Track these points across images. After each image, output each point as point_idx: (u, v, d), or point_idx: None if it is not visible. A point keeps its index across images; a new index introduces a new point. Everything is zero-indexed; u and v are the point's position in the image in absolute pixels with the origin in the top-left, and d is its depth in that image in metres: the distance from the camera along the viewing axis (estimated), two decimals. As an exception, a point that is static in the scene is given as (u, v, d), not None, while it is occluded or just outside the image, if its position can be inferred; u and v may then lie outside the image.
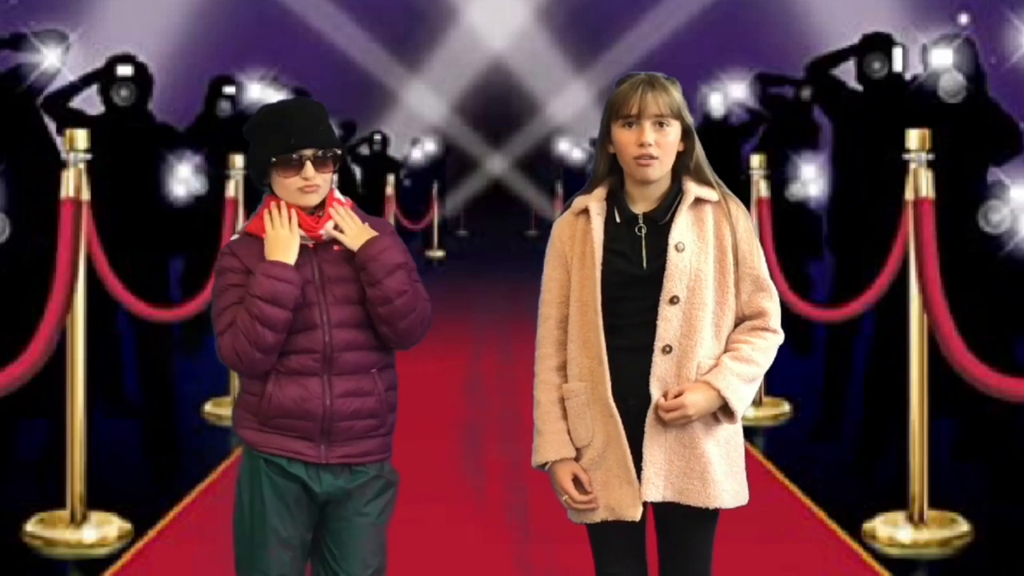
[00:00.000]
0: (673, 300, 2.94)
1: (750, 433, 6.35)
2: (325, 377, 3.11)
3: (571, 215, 3.05)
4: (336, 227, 3.13)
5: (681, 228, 2.97)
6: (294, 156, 3.08)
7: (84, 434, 5.27)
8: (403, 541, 4.69)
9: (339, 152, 3.16)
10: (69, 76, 6.93)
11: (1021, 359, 6.48)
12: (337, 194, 3.19)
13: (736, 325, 3.01)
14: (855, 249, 6.75)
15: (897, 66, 6.85)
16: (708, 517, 3.01)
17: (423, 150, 22.05)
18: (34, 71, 6.54)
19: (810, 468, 6.25)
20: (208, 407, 7.45)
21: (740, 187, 7.51)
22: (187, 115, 9.13)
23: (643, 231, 2.99)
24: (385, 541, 3.22)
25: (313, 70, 16.94)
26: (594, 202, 3.01)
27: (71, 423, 5.26)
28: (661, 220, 2.98)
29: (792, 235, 8.48)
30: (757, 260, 3.00)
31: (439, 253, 19.16)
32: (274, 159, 3.09)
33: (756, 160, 7.69)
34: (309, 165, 3.09)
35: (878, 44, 6.90)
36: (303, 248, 3.11)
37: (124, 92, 6.88)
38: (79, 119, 6.65)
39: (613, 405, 2.95)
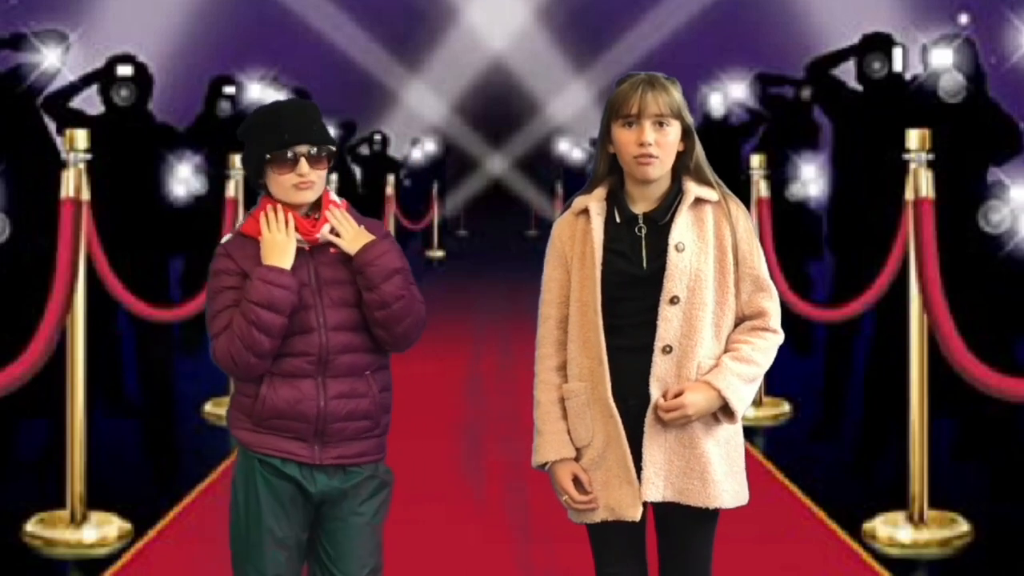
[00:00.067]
0: (673, 300, 2.94)
1: (750, 433, 6.35)
2: (319, 379, 3.11)
3: (571, 215, 3.05)
4: (333, 231, 3.13)
5: (681, 228, 2.97)
6: (288, 153, 3.09)
7: (84, 434, 5.27)
8: (403, 541, 4.69)
9: (333, 149, 3.16)
10: (69, 76, 6.93)
11: (1021, 359, 6.48)
12: (333, 196, 3.19)
13: (736, 325, 3.01)
14: (855, 249, 6.75)
15: (897, 66, 6.85)
16: (708, 517, 3.01)
17: (423, 150, 22.06)
18: (34, 71, 6.54)
19: (810, 468, 6.25)
20: (208, 407, 7.45)
21: (740, 187, 7.51)
22: (187, 115, 9.13)
23: (643, 231, 2.99)
24: (381, 541, 3.22)
25: (313, 70, 16.94)
26: (594, 202, 3.01)
27: (71, 423, 5.26)
28: (661, 220, 2.98)
29: (792, 235, 8.48)
30: (757, 260, 3.00)
31: (439, 253, 19.17)
32: (268, 156, 3.09)
33: (756, 160, 7.69)
34: (304, 161, 3.09)
35: (878, 44, 6.90)
36: (299, 250, 3.11)
37: (124, 92, 6.88)
38: (79, 119, 6.65)
39: (613, 405, 2.95)
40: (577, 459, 3.01)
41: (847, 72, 7.04)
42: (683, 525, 3.02)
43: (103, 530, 5.21)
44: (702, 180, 3.01)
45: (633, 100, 2.95)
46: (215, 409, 7.35)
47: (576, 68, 24.92)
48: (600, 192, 3.03)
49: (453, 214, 24.32)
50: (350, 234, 3.13)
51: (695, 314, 2.95)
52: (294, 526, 3.15)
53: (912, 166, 5.28)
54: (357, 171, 16.14)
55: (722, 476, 2.97)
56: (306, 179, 3.09)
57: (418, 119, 24.43)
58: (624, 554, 3.06)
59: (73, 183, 5.22)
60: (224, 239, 3.20)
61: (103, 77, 6.98)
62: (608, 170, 3.04)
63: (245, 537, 3.14)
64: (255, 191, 3.22)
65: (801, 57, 8.10)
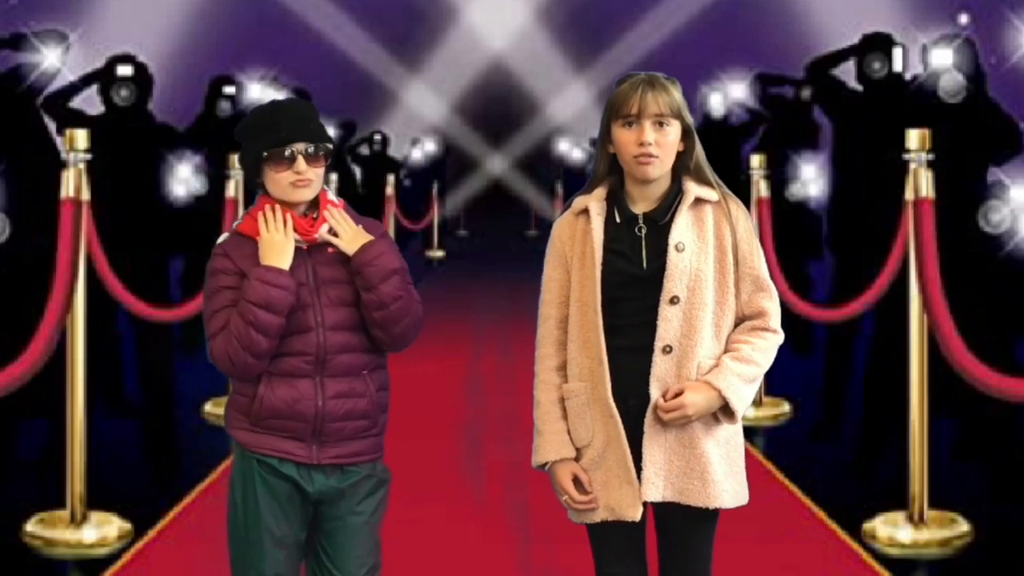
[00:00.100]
0: (673, 300, 2.94)
1: (750, 433, 6.35)
2: (317, 379, 3.11)
3: (571, 215, 3.05)
4: (331, 230, 3.13)
5: (681, 228, 2.97)
6: (286, 151, 3.08)
7: (84, 434, 5.27)
8: (403, 541, 4.69)
9: (331, 147, 3.16)
10: (69, 76, 6.93)
11: (1021, 359, 6.48)
12: (330, 195, 3.19)
13: (736, 325, 3.01)
14: (855, 249, 6.75)
15: (897, 66, 6.85)
16: (708, 517, 3.01)
17: (423, 150, 22.06)
18: (34, 71, 6.54)
19: (810, 468, 6.25)
20: (208, 407, 7.45)
21: (740, 187, 7.51)
22: (187, 115, 9.13)
23: (643, 231, 2.99)
24: (379, 539, 3.22)
25: (313, 70, 16.94)
26: (594, 202, 3.01)
27: (71, 423, 5.26)
28: (661, 220, 2.98)
29: (792, 235, 8.48)
30: (757, 260, 3.00)
31: (439, 253, 19.17)
32: (265, 153, 3.09)
33: (756, 160, 7.69)
34: (301, 159, 3.09)
35: (878, 44, 6.90)
36: (297, 250, 3.11)
37: (124, 92, 6.87)
38: (79, 119, 6.65)
39: (613, 405, 2.95)
40: (577, 459, 3.01)
41: (847, 72, 7.03)
42: (683, 525, 3.02)
43: (103, 530, 5.21)
44: (702, 180, 3.01)
45: (633, 100, 2.95)
46: (215, 409, 7.35)
47: (576, 68, 24.93)
48: (600, 192, 3.03)
49: (453, 214, 24.32)
50: (348, 234, 3.13)
51: (695, 314, 2.95)
52: (293, 525, 3.15)
53: (912, 166, 5.28)
54: (357, 171, 16.15)
55: (722, 476, 2.97)
56: (303, 177, 3.09)
57: (418, 119, 24.44)
58: (624, 554, 3.05)
59: (73, 183, 5.22)
60: (221, 238, 3.19)
61: (103, 77, 6.98)
62: (608, 170, 3.04)
63: (244, 537, 3.14)
64: (254, 191, 3.22)
65: (801, 57, 8.10)
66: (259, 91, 9.73)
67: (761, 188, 7.62)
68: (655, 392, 2.94)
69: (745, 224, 3.01)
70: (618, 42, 24.06)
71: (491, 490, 5.88)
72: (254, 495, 3.12)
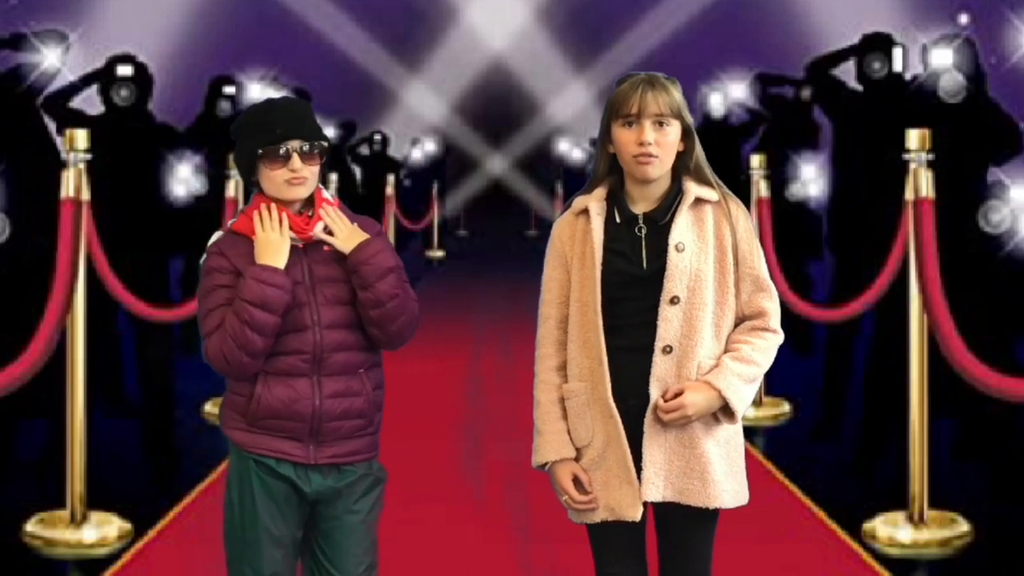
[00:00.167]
0: (673, 300, 2.94)
1: (750, 433, 6.35)
2: (314, 378, 3.10)
3: (571, 215, 3.05)
4: (326, 229, 3.12)
5: (681, 228, 2.97)
6: (281, 148, 3.08)
7: (84, 434, 5.27)
8: (403, 541, 4.70)
9: (325, 145, 3.15)
10: (69, 76, 6.93)
11: (1021, 359, 6.48)
12: (325, 194, 3.19)
13: (736, 325, 3.01)
14: (855, 249, 6.75)
15: (897, 66, 6.85)
16: (708, 517, 3.01)
17: (423, 150, 22.06)
18: (34, 71, 6.54)
19: (810, 468, 6.25)
20: (208, 407, 7.45)
21: (740, 187, 7.51)
22: (187, 115, 9.13)
23: (643, 231, 2.99)
24: (376, 538, 3.22)
25: (313, 70, 16.93)
26: (594, 202, 3.01)
27: (71, 423, 5.26)
28: (661, 220, 2.98)
29: (792, 235, 8.48)
30: (757, 260, 3.00)
31: (439, 253, 19.17)
32: (260, 151, 3.08)
33: (756, 160, 7.69)
34: (296, 157, 3.08)
35: (878, 44, 6.89)
36: (293, 248, 3.10)
37: (124, 92, 6.87)
38: (79, 119, 6.65)
39: (613, 405, 2.95)
40: (577, 459, 3.01)
41: (847, 72, 7.03)
42: (683, 525, 3.02)
43: (103, 530, 5.21)
44: (702, 180, 3.01)
45: (633, 100, 2.95)
46: (215, 409, 7.34)
47: (576, 68, 24.93)
48: (600, 192, 3.03)
49: (453, 214, 24.33)
50: (344, 233, 3.12)
51: (695, 314, 2.95)
52: (290, 525, 3.15)
53: (912, 166, 5.28)
54: (357, 171, 16.14)
55: (722, 476, 2.97)
56: (298, 175, 3.09)
57: (418, 119, 24.44)
58: (624, 554, 3.06)
59: (73, 183, 5.22)
60: (215, 237, 3.18)
61: (103, 77, 6.97)
62: (608, 170, 3.04)
63: (241, 537, 3.13)
64: (250, 190, 3.22)
65: (801, 57, 8.10)
66: (259, 91, 9.72)
67: (761, 188, 7.62)
68: (655, 392, 2.94)
69: (745, 224, 3.01)
70: (618, 42, 24.07)
71: (491, 490, 5.88)
72: (251, 495, 3.12)
